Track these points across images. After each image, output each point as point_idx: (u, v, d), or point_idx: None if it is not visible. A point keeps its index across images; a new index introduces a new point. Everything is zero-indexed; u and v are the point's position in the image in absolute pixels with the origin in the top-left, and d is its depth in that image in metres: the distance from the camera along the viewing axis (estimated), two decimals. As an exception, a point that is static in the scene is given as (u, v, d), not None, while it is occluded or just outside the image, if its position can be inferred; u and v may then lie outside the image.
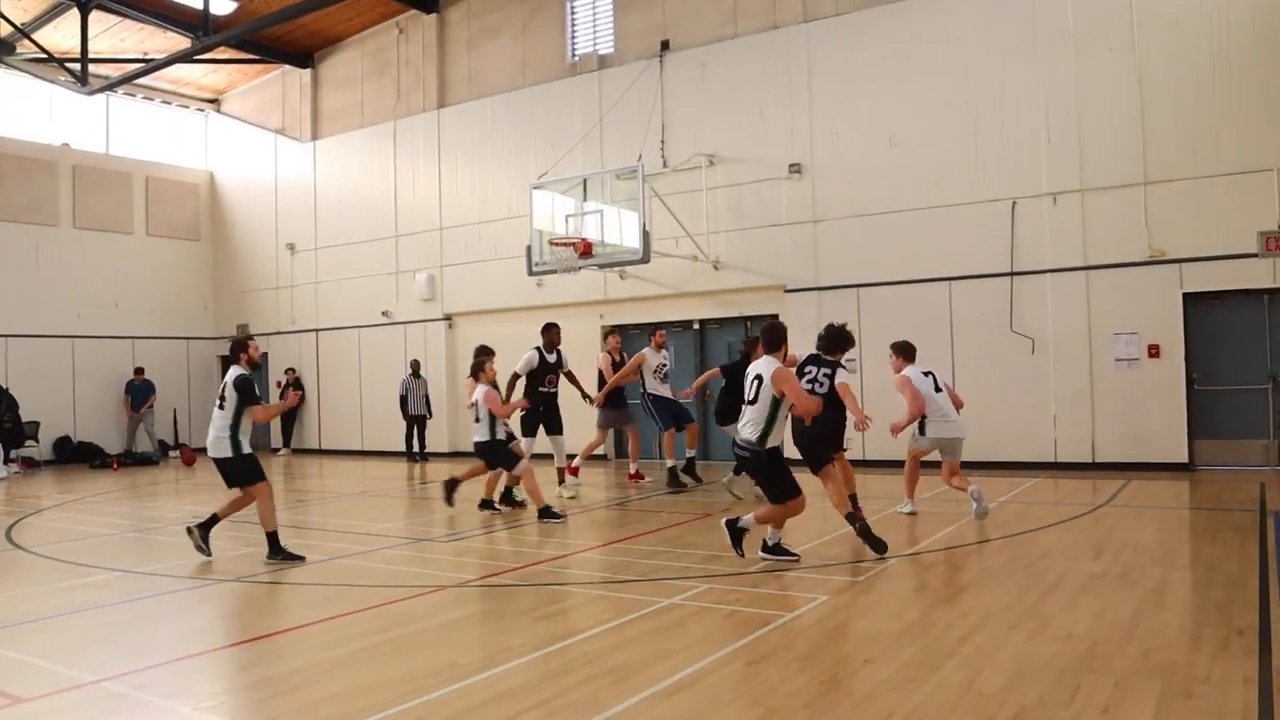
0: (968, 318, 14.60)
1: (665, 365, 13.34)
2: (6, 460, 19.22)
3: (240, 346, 8.90)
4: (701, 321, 17.36)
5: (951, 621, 5.96)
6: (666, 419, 13.13)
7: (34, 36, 20.22)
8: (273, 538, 8.75)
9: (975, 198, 14.51)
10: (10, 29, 20.01)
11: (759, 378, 7.85)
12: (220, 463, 8.82)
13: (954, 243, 14.64)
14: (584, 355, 17.49)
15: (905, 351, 10.06)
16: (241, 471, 8.84)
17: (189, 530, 9.11)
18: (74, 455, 21.26)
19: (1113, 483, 12.00)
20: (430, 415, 19.26)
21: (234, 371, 8.78)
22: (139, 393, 21.92)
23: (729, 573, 7.59)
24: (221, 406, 8.72)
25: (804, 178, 15.88)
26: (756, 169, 16.34)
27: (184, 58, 19.68)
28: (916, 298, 14.89)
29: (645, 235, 14.91)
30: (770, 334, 8.04)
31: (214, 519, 9.13)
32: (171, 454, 22.35)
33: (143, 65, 20.09)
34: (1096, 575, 7.17)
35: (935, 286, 14.78)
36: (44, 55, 20.42)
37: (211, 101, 25.07)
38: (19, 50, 20.56)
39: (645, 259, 15.05)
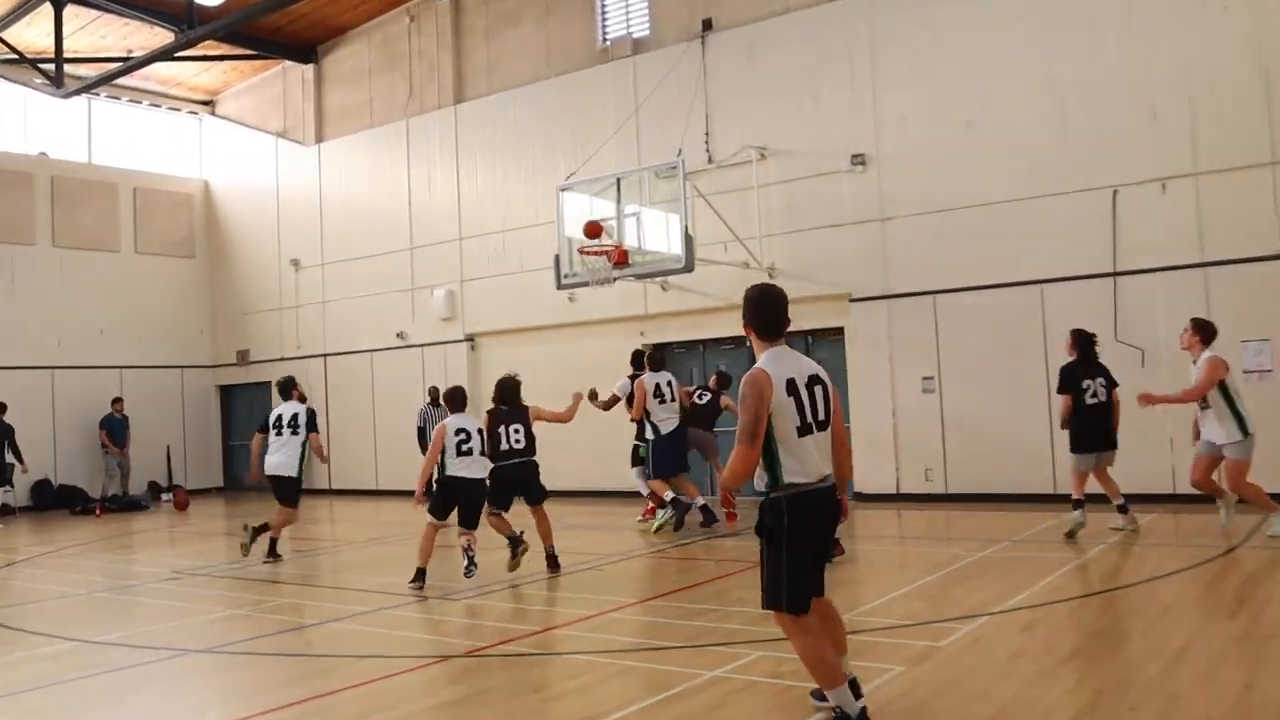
0: (1064, 326, 14.01)
1: (670, 381, 13.12)
2: None
3: (291, 384, 12.24)
4: (755, 338, 16.96)
5: (1056, 702, 5.48)
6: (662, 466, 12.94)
7: (3, 35, 20.34)
8: (274, 543, 12.20)
9: (1068, 186, 14.09)
10: (-24, 27, 20.14)
11: None
12: (284, 480, 11.86)
13: (1045, 240, 14.25)
14: (623, 376, 17.15)
15: (1205, 330, 10.42)
16: (293, 491, 11.98)
17: (245, 526, 12.22)
18: (54, 500, 21.25)
19: (1247, 519, 11.32)
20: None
21: (296, 405, 11.97)
22: (121, 427, 21.85)
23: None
24: (295, 432, 11.80)
25: (869, 170, 15.61)
26: (814, 162, 16.10)
27: (169, 54, 19.70)
28: (1003, 305, 14.51)
29: (688, 240, 14.70)
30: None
31: (265, 526, 12.18)
32: (163, 497, 22.28)
33: (124, 64, 20.11)
34: (1237, 638, 6.64)
35: (1024, 291, 14.37)
36: (15, 55, 20.54)
37: (205, 103, 25.18)
38: (-11, 51, 20.73)
39: (689, 267, 14.85)
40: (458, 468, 10.07)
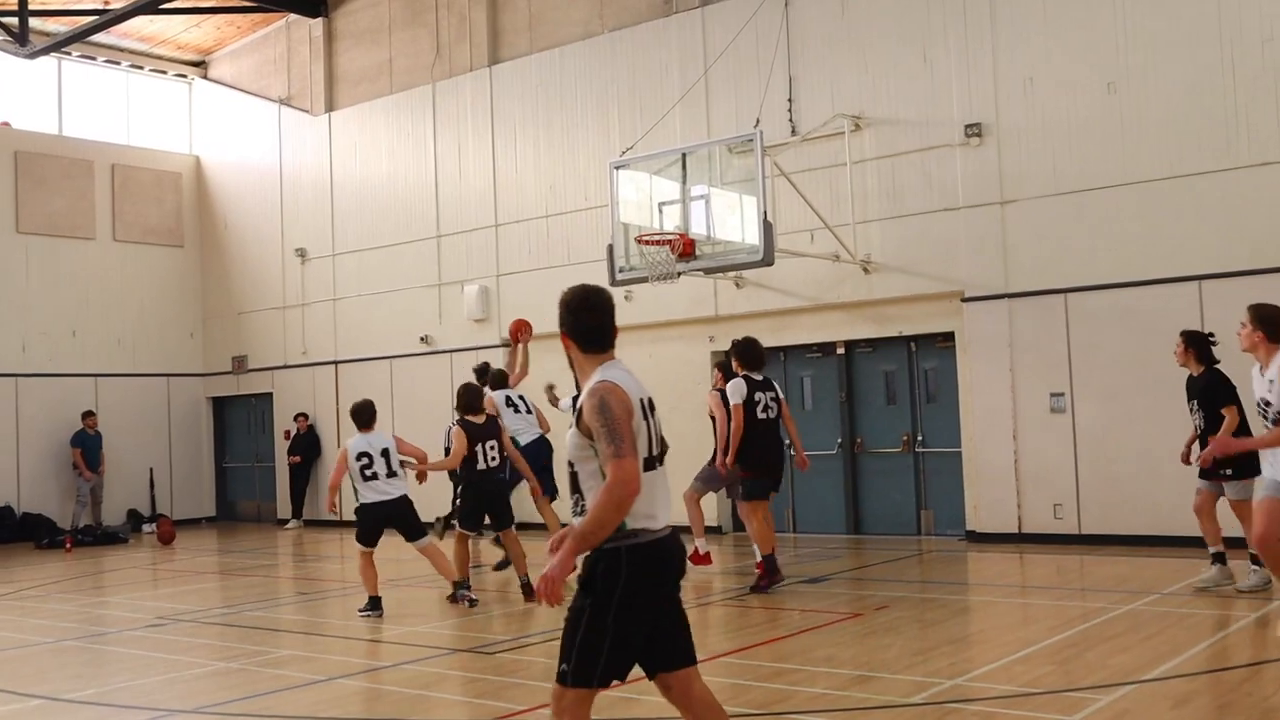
0: (1230, 332, 13.76)
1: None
2: None
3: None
4: (847, 344, 17.05)
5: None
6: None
7: (-44, -16, 20.82)
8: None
9: (1234, 162, 13.93)
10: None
11: None
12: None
13: (1204, 226, 14.09)
14: (690, 391, 17.17)
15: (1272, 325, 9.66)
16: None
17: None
18: (17, 531, 21.60)
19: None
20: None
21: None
22: (94, 446, 22.19)
23: (884, 703, 7.21)
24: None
25: (986, 143, 15.53)
26: (920, 133, 16.04)
27: (153, 5, 19.99)
28: (1150, 304, 14.37)
29: (767, 228, 14.63)
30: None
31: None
32: (146, 528, 22.61)
33: (99, 17, 20.40)
34: None
35: (1177, 289, 14.24)
36: (-31, 8, 21.01)
37: (196, 65, 25.57)
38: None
39: (768, 260, 14.77)
40: (366, 494, 11.26)
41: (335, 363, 22.86)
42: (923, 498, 16.48)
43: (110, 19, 20.42)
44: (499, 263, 20.41)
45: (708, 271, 15.76)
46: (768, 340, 17.34)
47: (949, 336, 15.97)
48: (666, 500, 4.88)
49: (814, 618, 10.46)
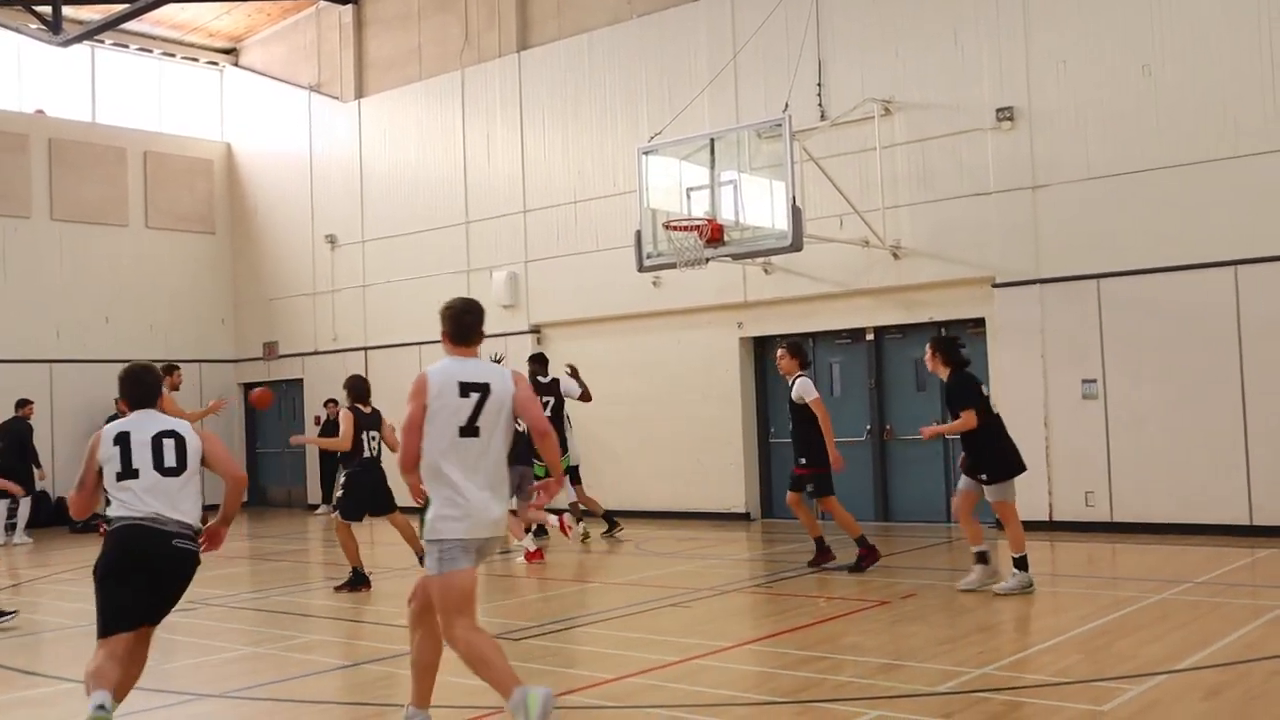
0: (1267, 319, 13.73)
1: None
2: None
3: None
4: (877, 330, 17.03)
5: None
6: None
7: (-8, -28, 20.90)
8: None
9: (1272, 145, 13.78)
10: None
11: None
12: None
13: (1241, 211, 13.97)
14: (719, 377, 17.14)
15: None
16: None
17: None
18: (53, 516, 21.77)
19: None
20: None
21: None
22: None
23: (911, 691, 7.16)
24: None
25: (1018, 127, 15.45)
26: (951, 118, 15.97)
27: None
28: (1185, 291, 14.28)
29: (796, 213, 14.60)
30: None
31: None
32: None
33: (132, 4, 20.48)
34: None
35: (1214, 274, 14.13)
36: (6, -5, 21.08)
37: (227, 52, 25.68)
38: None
39: (796, 245, 14.74)
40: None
41: (365, 349, 22.92)
42: (952, 485, 16.34)
43: (142, 6, 20.44)
44: (527, 248, 20.42)
45: (736, 257, 15.75)
46: (797, 326, 17.45)
47: (979, 322, 15.91)
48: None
49: (841, 605, 10.44)
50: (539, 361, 15.56)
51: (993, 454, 10.41)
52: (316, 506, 23.20)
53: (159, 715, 7.41)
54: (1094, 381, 14.73)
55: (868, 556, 12.02)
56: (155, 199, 24.44)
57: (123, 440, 6.29)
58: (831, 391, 17.16)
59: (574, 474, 16.08)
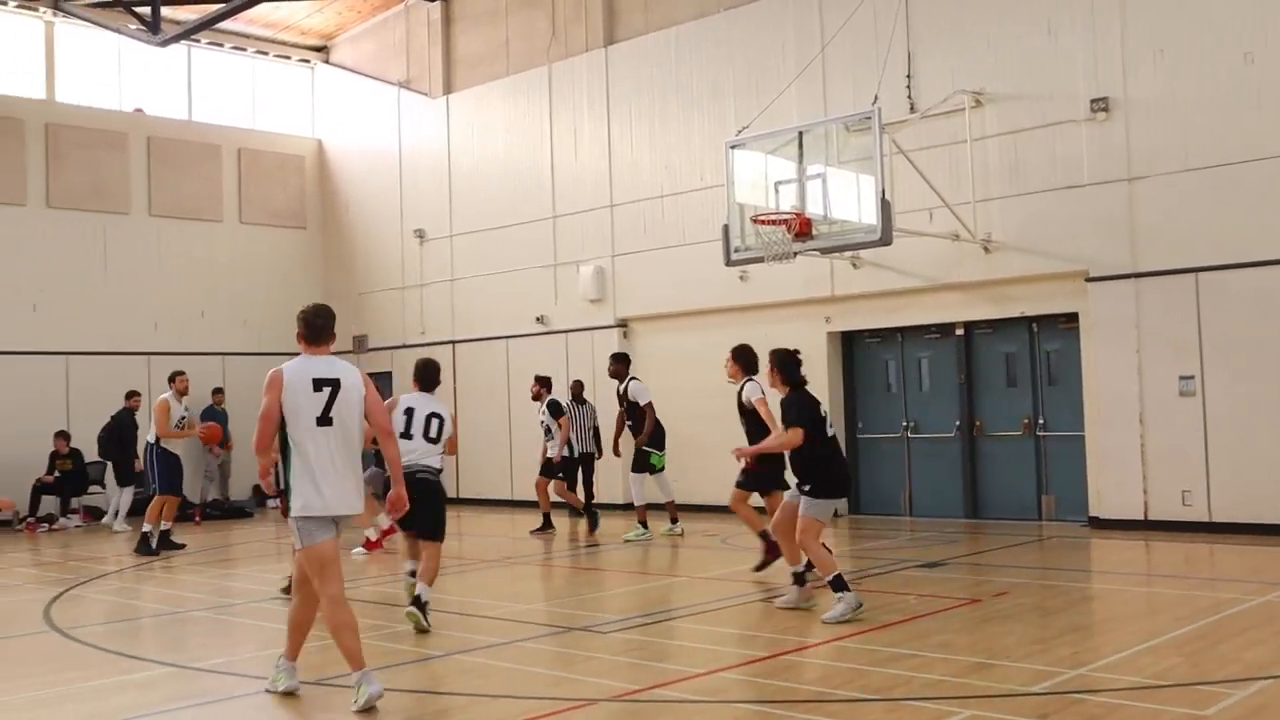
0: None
1: (185, 416, 16.23)
2: (67, 511, 20.26)
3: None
4: (967, 325, 16.92)
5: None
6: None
7: (95, -25, 21.33)
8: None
9: (1378, 136, 13.40)
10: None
11: None
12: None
13: (1346, 203, 13.66)
14: (806, 371, 17.02)
15: None
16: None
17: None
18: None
19: None
20: (600, 454, 19.10)
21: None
22: (222, 422, 22.63)
23: (1004, 691, 7.09)
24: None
25: (1113, 118, 15.25)
26: (1044, 109, 15.81)
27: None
28: (1286, 285, 14.04)
29: (885, 206, 14.54)
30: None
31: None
32: (270, 504, 23.06)
33: (227, 3, 20.80)
34: None
35: (1316, 269, 13.83)
36: (106, -2, 21.50)
37: (318, 50, 26.00)
38: (79, -6, 21.73)
39: (885, 239, 14.69)
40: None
41: (452, 342, 23.10)
42: (1044, 482, 16.19)
43: (237, 5, 20.75)
44: (614, 243, 20.47)
45: (824, 251, 15.74)
46: (885, 321, 17.37)
47: (1072, 317, 15.73)
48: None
49: (930, 603, 10.36)
50: (620, 361, 15.71)
51: (822, 473, 9.84)
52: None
53: (249, 703, 7.57)
54: (1191, 378, 14.46)
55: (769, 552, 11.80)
56: (249, 195, 24.82)
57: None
58: (920, 386, 17.23)
59: (578, 465, 17.25)
